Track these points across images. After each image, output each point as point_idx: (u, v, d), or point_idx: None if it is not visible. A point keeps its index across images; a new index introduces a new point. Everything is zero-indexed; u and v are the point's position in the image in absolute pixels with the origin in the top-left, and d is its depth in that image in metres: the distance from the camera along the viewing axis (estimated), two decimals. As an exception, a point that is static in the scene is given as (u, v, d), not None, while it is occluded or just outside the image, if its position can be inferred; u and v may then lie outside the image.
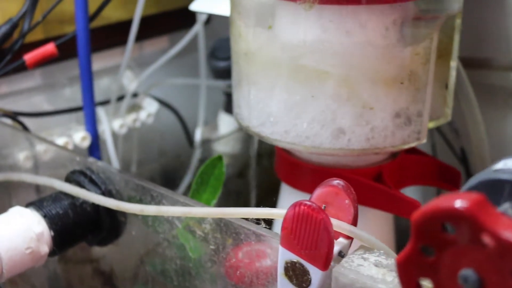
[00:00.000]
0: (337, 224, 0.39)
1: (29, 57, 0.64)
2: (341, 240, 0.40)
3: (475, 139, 0.65)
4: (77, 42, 0.64)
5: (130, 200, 0.52)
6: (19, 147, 0.64)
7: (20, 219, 0.49)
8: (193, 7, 0.69)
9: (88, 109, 0.67)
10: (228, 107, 0.86)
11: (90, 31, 0.64)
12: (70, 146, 0.70)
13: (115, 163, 0.75)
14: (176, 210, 0.46)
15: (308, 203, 0.38)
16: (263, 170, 0.86)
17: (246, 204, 0.84)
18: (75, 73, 0.77)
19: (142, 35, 0.77)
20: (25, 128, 0.68)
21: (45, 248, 0.50)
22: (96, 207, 0.52)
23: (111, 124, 0.77)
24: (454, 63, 0.55)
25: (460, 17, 0.54)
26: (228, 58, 0.80)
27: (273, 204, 0.70)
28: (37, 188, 0.60)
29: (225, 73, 0.82)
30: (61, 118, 0.74)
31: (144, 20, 0.74)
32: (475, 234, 0.25)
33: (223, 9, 0.65)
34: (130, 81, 0.80)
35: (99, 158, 0.70)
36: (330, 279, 0.39)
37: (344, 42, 0.49)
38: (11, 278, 0.51)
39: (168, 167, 0.87)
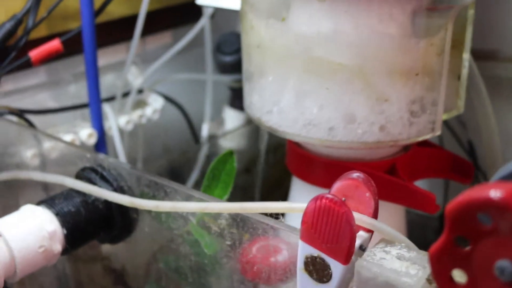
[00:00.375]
0: (359, 218, 0.39)
1: (34, 53, 0.64)
2: (362, 233, 0.40)
3: (486, 131, 0.65)
4: (83, 38, 0.64)
5: (142, 196, 0.51)
6: (26, 145, 0.64)
7: (32, 217, 0.49)
8: (199, 1, 0.69)
9: (94, 105, 0.66)
10: (234, 102, 0.86)
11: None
12: (76, 143, 0.70)
13: (123, 160, 0.75)
14: (192, 205, 0.45)
15: (330, 196, 0.37)
16: (269, 165, 0.85)
17: (253, 200, 0.84)
18: (80, 70, 0.76)
19: (145, 31, 0.76)
20: (31, 125, 0.67)
21: (57, 247, 0.49)
22: (108, 204, 0.52)
23: (117, 121, 0.77)
24: (466, 55, 0.55)
25: (473, 7, 0.53)
26: (234, 52, 0.80)
27: (280, 198, 0.69)
28: (45, 186, 0.60)
29: (231, 68, 0.81)
30: (67, 115, 0.73)
31: (148, 15, 0.73)
32: (512, 224, 0.24)
33: (230, 2, 0.64)
34: (135, 77, 0.79)
35: (106, 154, 0.70)
36: (352, 273, 0.38)
37: (358, 33, 0.48)
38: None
39: (175, 163, 0.87)
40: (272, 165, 0.85)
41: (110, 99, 0.77)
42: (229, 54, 0.81)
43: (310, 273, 0.39)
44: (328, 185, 0.55)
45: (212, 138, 0.86)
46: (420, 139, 0.53)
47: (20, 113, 0.67)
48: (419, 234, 0.78)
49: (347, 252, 0.37)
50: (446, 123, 0.72)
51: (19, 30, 0.64)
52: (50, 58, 0.65)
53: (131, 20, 0.74)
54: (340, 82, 0.49)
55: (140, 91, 0.80)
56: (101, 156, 0.54)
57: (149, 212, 0.51)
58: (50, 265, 0.50)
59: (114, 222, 0.53)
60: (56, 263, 0.51)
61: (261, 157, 0.81)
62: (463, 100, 0.56)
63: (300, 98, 0.51)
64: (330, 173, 0.56)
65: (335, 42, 0.49)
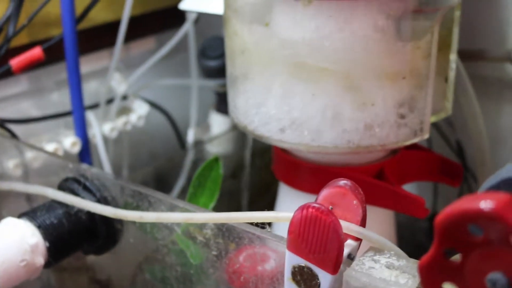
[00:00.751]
0: (347, 226, 0.38)
1: (15, 62, 0.63)
2: (350, 242, 0.39)
3: (474, 132, 0.64)
4: (65, 45, 0.63)
5: (126, 206, 0.50)
6: (7, 155, 0.62)
7: (13, 230, 0.48)
8: (182, 6, 0.68)
9: (77, 113, 0.65)
10: (220, 107, 0.85)
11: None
12: (60, 152, 0.69)
13: (107, 168, 0.74)
14: (177, 216, 0.44)
15: (316, 205, 0.36)
16: (256, 170, 0.85)
17: (240, 205, 0.83)
18: (62, 77, 0.75)
19: (128, 36, 0.75)
20: (13, 135, 0.66)
21: (40, 260, 0.48)
22: (91, 215, 0.51)
23: (101, 128, 0.76)
24: (453, 56, 0.54)
25: (460, 8, 0.53)
26: (218, 57, 0.79)
27: (268, 203, 0.69)
28: (28, 197, 0.58)
29: (216, 72, 0.80)
30: (50, 123, 0.72)
31: (131, 21, 0.73)
32: (504, 235, 0.24)
33: (214, 7, 0.64)
34: (119, 84, 0.78)
35: (90, 163, 0.69)
36: (341, 283, 0.37)
37: (344, 37, 0.47)
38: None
39: (161, 170, 0.86)
40: (259, 169, 0.85)
41: (94, 106, 0.76)
42: (213, 58, 0.80)
43: (298, 283, 0.39)
44: (315, 190, 0.55)
45: (199, 143, 0.86)
46: (409, 142, 0.52)
47: (1, 123, 0.66)
48: (408, 235, 0.77)
49: (335, 261, 0.37)
50: (434, 123, 0.72)
51: (0, 38, 0.63)
52: (32, 66, 0.64)
53: (114, 25, 0.73)
54: (326, 87, 0.49)
55: (124, 98, 0.79)
56: (84, 166, 0.53)
57: (133, 222, 0.50)
58: (33, 278, 0.49)
59: (98, 233, 0.52)
60: (41, 274, 0.50)
61: (246, 162, 0.80)
62: (451, 102, 0.56)
63: (285, 104, 0.51)
64: (317, 179, 0.55)
65: (320, 46, 0.48)
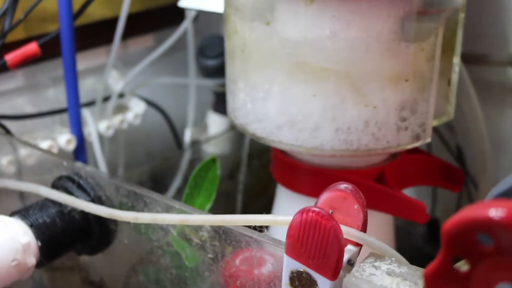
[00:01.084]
0: (347, 231, 0.37)
1: (10, 57, 0.62)
2: (350, 247, 0.38)
3: (476, 137, 0.63)
4: (61, 41, 0.62)
5: (121, 206, 0.49)
6: (1, 151, 0.61)
7: (4, 229, 0.47)
8: (181, 3, 0.67)
9: (73, 110, 0.65)
10: (218, 107, 0.84)
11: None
12: (54, 150, 0.68)
13: (102, 167, 0.73)
14: (172, 217, 0.43)
15: (317, 209, 0.35)
16: (253, 171, 0.84)
17: (236, 206, 0.82)
18: (58, 74, 0.74)
19: (126, 34, 0.74)
20: (7, 131, 0.65)
21: (32, 260, 0.47)
22: (85, 215, 0.50)
23: (97, 126, 0.75)
24: (457, 59, 0.53)
25: (464, 11, 0.52)
26: (217, 56, 0.78)
27: (264, 205, 0.68)
28: (21, 195, 0.57)
29: (214, 72, 0.80)
30: (45, 120, 0.71)
31: (129, 18, 0.72)
32: (514, 245, 0.23)
33: (213, 5, 0.63)
34: (116, 81, 0.77)
35: (85, 161, 0.68)
36: (340, 290, 0.37)
37: (346, 37, 0.46)
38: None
39: (157, 169, 0.85)
40: (256, 171, 0.84)
41: (90, 103, 0.75)
42: (212, 57, 0.79)
43: (296, 288, 0.38)
44: (314, 193, 0.54)
45: (195, 143, 0.85)
46: (410, 146, 0.51)
47: (-4, 119, 0.65)
48: (405, 240, 0.76)
49: (335, 267, 0.36)
50: (434, 127, 0.71)
51: (-5, 33, 0.62)
52: (28, 62, 0.63)
53: (112, 22, 0.72)
54: (327, 88, 0.48)
55: (121, 96, 0.78)
56: (79, 164, 0.52)
57: (128, 223, 0.49)
58: (24, 278, 0.48)
59: (91, 233, 0.51)
60: (33, 274, 0.49)
61: (243, 163, 0.79)
62: (453, 105, 0.55)
63: (285, 105, 0.50)
64: (317, 182, 0.54)
65: (322, 46, 0.47)
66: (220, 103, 0.83)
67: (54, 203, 0.50)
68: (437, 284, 0.26)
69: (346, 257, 0.37)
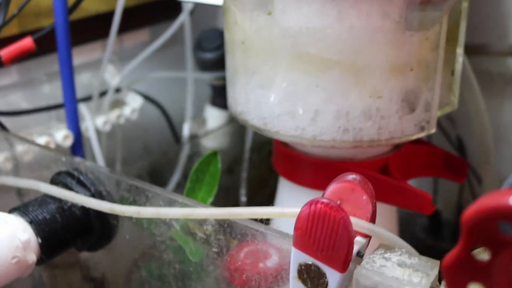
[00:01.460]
0: (356, 223, 0.36)
1: (5, 52, 0.61)
2: (359, 239, 0.38)
3: (478, 128, 0.63)
4: (57, 35, 0.61)
5: (122, 201, 0.48)
6: (-3, 148, 0.61)
7: (4, 226, 0.46)
8: (178, -4, 0.66)
9: (69, 106, 0.64)
10: (215, 101, 0.83)
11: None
12: (51, 146, 0.67)
13: (100, 162, 0.72)
14: (176, 211, 0.43)
15: (325, 200, 0.35)
16: (253, 164, 0.83)
17: (237, 200, 0.81)
18: (54, 69, 0.73)
19: (122, 28, 0.73)
20: (3, 127, 0.64)
21: (32, 257, 0.46)
22: (85, 211, 0.49)
23: (94, 121, 0.74)
24: (460, 49, 0.53)
25: (468, 0, 0.51)
26: (215, 49, 0.78)
27: (265, 199, 0.67)
28: (19, 191, 0.57)
29: (212, 65, 0.79)
30: (41, 116, 0.70)
31: (125, 12, 0.71)
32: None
33: (211, -3, 0.62)
34: (112, 76, 0.77)
35: (83, 157, 0.67)
36: (350, 282, 0.36)
37: (350, 27, 0.45)
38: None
39: (155, 164, 0.84)
40: (257, 164, 0.83)
41: (87, 99, 0.74)
42: (209, 51, 0.79)
43: (304, 281, 0.37)
44: (318, 186, 0.53)
45: (194, 137, 0.84)
46: (415, 136, 0.50)
47: (-9, 115, 0.64)
48: (407, 231, 0.76)
49: (344, 259, 0.35)
50: (434, 119, 0.71)
51: (-11, 28, 0.61)
52: (22, 57, 0.62)
53: (107, 16, 0.72)
54: (331, 79, 0.47)
55: (117, 90, 0.78)
56: (78, 159, 0.51)
57: (129, 218, 0.48)
58: (25, 276, 0.47)
59: (92, 229, 0.50)
60: (33, 271, 0.48)
61: (245, 156, 0.78)
62: (457, 96, 0.54)
63: (288, 96, 0.49)
64: (320, 174, 0.53)
65: (325, 37, 0.46)
66: (218, 97, 0.82)
67: (54, 199, 0.49)
68: (456, 274, 0.25)
69: (355, 249, 0.37)
